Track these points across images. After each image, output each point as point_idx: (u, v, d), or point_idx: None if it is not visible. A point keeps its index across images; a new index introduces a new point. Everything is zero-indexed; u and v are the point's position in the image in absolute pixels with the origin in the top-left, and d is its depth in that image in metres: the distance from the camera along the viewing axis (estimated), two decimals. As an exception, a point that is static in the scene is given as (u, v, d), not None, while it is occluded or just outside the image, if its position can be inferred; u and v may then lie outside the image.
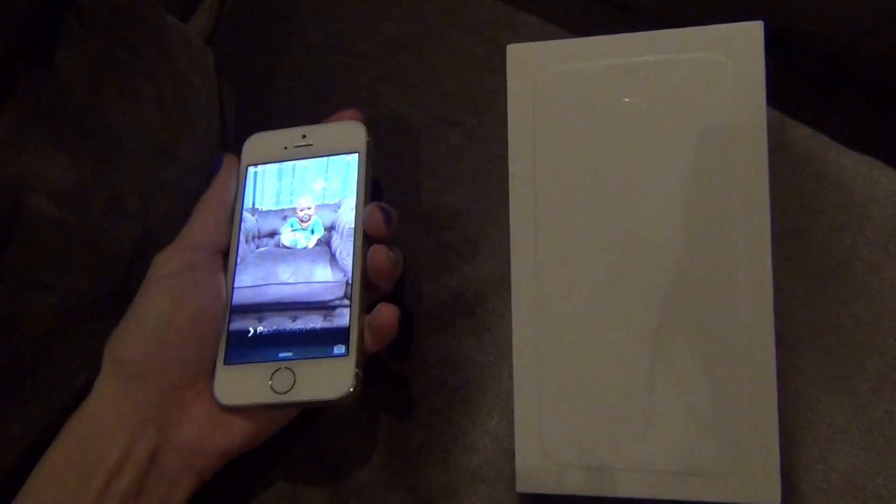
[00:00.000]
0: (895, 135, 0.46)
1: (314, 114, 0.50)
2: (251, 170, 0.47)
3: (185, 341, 0.42)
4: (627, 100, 0.38)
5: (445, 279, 0.48)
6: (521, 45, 0.39)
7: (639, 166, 0.38)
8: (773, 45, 0.50)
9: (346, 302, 0.42)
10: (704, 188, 0.37)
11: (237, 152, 0.48)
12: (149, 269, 0.43)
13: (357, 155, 0.45)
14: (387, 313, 0.41)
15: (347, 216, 0.44)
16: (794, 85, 0.49)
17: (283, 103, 0.55)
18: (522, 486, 0.38)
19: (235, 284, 0.45)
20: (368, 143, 0.46)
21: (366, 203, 0.44)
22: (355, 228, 0.44)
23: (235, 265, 0.45)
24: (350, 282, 0.43)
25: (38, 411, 0.41)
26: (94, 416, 0.40)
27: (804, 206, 0.44)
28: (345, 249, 0.44)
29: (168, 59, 0.49)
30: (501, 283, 0.47)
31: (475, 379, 0.46)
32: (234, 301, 0.44)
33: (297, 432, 0.47)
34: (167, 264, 0.43)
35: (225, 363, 0.43)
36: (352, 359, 0.41)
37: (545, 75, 0.39)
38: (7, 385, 0.40)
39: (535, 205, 0.39)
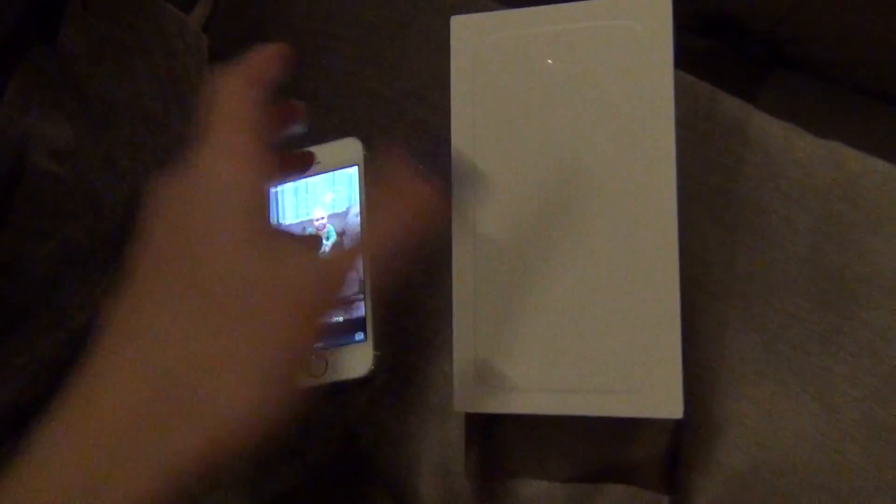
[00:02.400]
0: (817, 105, 0.50)
1: (298, 95, 0.55)
2: (271, 190, 0.52)
3: None
4: (551, 62, 0.42)
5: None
6: (463, 16, 0.44)
7: (562, 121, 0.42)
8: (718, 29, 0.55)
9: (361, 296, 0.50)
10: (618, 140, 0.41)
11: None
12: None
13: (357, 167, 0.52)
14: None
15: (354, 221, 0.51)
16: (730, 63, 0.53)
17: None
18: (459, 405, 0.43)
19: None
20: (366, 155, 0.52)
21: (368, 209, 0.51)
22: (360, 230, 0.51)
23: None
24: (362, 278, 0.49)
25: (40, 345, 0.46)
26: None
27: (729, 168, 0.48)
28: None
29: (163, 39, 0.54)
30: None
31: (429, 325, 0.50)
32: None
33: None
34: None
35: None
36: (369, 343, 0.49)
37: (484, 42, 0.44)
38: (14, 320, 0.45)
39: (474, 152, 0.43)
